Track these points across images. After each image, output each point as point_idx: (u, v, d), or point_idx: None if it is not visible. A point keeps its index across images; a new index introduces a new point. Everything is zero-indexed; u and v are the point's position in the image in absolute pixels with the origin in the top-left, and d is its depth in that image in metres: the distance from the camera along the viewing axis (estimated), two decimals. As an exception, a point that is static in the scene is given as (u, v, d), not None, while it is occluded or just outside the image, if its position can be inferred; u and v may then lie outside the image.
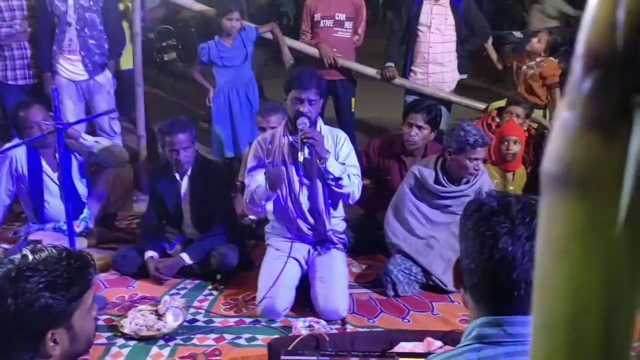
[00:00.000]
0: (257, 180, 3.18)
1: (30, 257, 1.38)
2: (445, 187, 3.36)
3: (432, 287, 3.29)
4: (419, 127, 3.73)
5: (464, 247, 1.21)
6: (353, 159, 3.22)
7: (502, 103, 4.52)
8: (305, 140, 2.98)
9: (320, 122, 3.20)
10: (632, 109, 0.36)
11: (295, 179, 3.16)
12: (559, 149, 0.38)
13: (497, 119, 4.39)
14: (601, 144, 0.36)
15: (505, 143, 3.82)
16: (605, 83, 0.35)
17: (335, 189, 3.13)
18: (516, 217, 1.16)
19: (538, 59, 4.71)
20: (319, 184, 3.16)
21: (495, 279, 1.16)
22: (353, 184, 3.13)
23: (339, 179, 3.08)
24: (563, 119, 0.38)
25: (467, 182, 3.36)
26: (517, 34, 7.00)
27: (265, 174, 3.13)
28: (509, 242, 1.14)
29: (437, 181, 3.37)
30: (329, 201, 3.23)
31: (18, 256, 1.39)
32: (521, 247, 1.13)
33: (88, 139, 3.77)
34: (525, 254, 1.13)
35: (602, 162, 0.36)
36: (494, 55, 5.15)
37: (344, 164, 3.14)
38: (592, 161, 0.36)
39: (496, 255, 1.14)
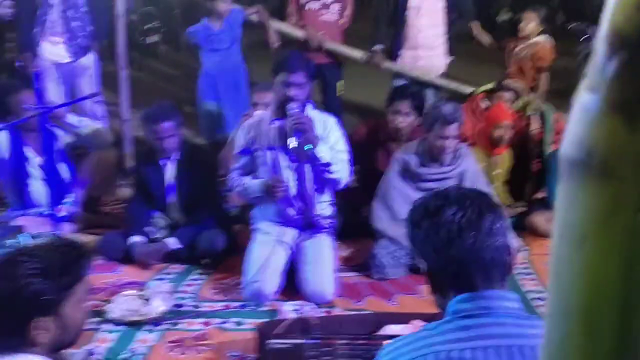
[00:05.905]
0: (247, 171, 3.20)
1: None
2: (429, 168, 3.36)
3: (418, 270, 3.28)
4: (405, 114, 3.73)
5: (427, 253, 1.32)
6: (341, 144, 3.20)
7: (489, 86, 4.50)
8: (295, 125, 2.95)
9: (309, 107, 3.18)
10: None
11: (284, 164, 3.14)
12: (580, 133, 0.37)
13: (483, 104, 4.38)
14: (625, 129, 0.35)
15: (499, 129, 3.80)
16: (630, 65, 0.34)
17: (325, 175, 3.11)
18: (459, 203, 1.27)
19: (533, 40, 4.67)
20: (307, 169, 3.14)
21: (463, 267, 1.25)
22: (342, 169, 3.12)
23: (329, 164, 3.06)
24: (584, 102, 0.37)
25: (450, 164, 3.37)
26: (504, 16, 6.94)
27: (265, 183, 3.12)
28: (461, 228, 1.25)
29: (420, 164, 3.38)
30: (317, 186, 3.22)
31: (14, 241, 1.39)
32: (475, 230, 1.24)
33: (73, 118, 3.74)
34: (481, 232, 1.24)
35: (625, 147, 0.35)
36: (485, 39, 5.01)
37: (333, 148, 3.12)
38: (615, 146, 0.36)
39: (457, 243, 1.24)
